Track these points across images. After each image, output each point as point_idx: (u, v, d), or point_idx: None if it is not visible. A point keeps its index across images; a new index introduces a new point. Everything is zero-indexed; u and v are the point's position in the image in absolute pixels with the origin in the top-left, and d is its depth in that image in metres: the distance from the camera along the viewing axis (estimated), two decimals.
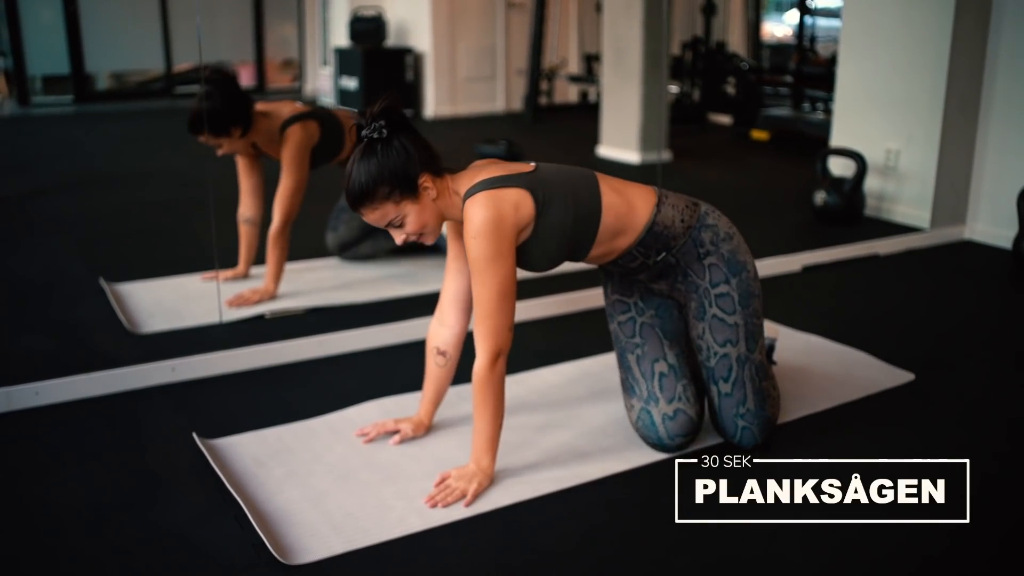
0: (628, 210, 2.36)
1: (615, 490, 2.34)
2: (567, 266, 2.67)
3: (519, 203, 2.23)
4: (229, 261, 3.94)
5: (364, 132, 2.23)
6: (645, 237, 2.37)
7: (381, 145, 2.21)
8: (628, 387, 2.57)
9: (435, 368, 2.56)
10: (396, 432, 2.58)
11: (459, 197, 2.29)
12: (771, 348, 2.87)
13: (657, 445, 2.50)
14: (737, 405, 2.46)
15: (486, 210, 2.19)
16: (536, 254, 2.33)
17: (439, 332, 2.53)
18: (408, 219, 2.26)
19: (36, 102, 9.96)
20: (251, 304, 3.64)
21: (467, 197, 2.24)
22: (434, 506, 2.25)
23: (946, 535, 2.12)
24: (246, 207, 3.88)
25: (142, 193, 5.81)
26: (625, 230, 2.36)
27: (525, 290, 3.71)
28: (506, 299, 2.24)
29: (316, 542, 2.10)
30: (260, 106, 3.69)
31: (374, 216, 2.26)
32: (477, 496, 2.28)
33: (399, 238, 2.31)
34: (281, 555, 2.04)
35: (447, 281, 2.50)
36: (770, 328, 2.86)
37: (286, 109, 3.71)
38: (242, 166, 3.85)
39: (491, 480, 2.33)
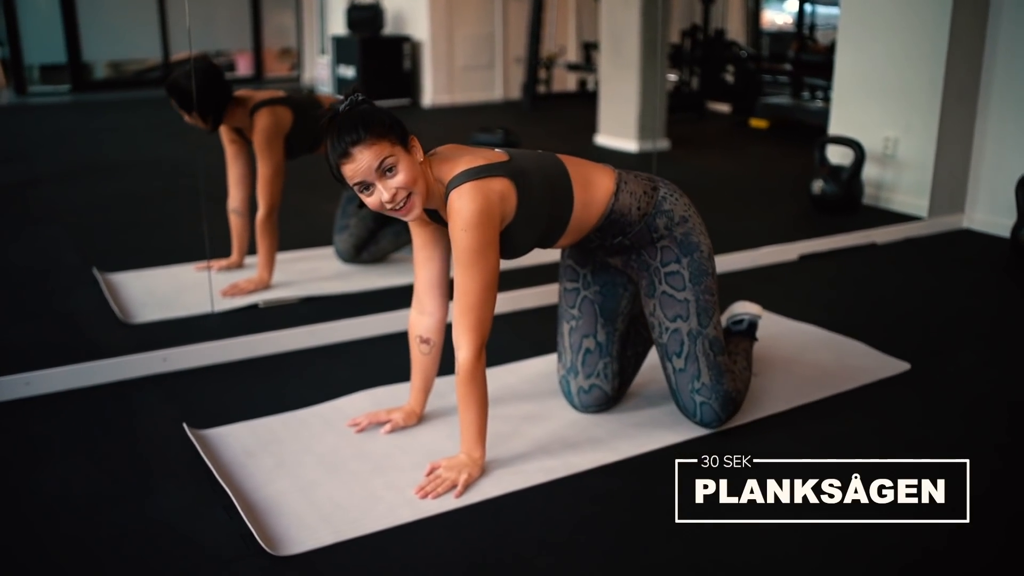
0: (590, 199, 2.39)
1: (606, 481, 2.33)
2: (556, 255, 2.75)
3: (504, 194, 2.22)
4: (223, 251, 3.93)
5: (344, 104, 2.18)
6: (603, 224, 2.43)
7: (366, 105, 2.19)
8: (558, 350, 2.73)
9: (421, 357, 2.55)
10: (387, 422, 2.57)
11: (438, 184, 2.24)
12: (753, 325, 2.87)
13: (572, 407, 2.70)
14: (691, 380, 2.51)
15: (474, 202, 2.17)
16: (513, 243, 2.33)
17: (420, 321, 2.51)
18: (400, 167, 2.15)
19: (33, 91, 9.94)
20: (245, 293, 3.63)
21: (451, 187, 2.21)
22: (424, 496, 2.24)
23: (946, 530, 2.11)
24: (232, 198, 3.87)
25: (137, 183, 5.79)
26: (588, 218, 2.41)
27: (518, 280, 3.69)
28: (491, 290, 2.24)
29: (305, 533, 2.09)
30: (241, 92, 3.66)
31: (368, 154, 2.12)
32: (468, 487, 2.27)
33: (386, 194, 2.16)
34: (269, 546, 2.03)
35: (420, 270, 2.48)
36: (752, 307, 2.88)
37: (262, 95, 3.67)
38: (229, 154, 3.83)
39: (482, 471, 2.33)
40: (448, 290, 2.49)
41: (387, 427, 2.56)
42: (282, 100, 3.65)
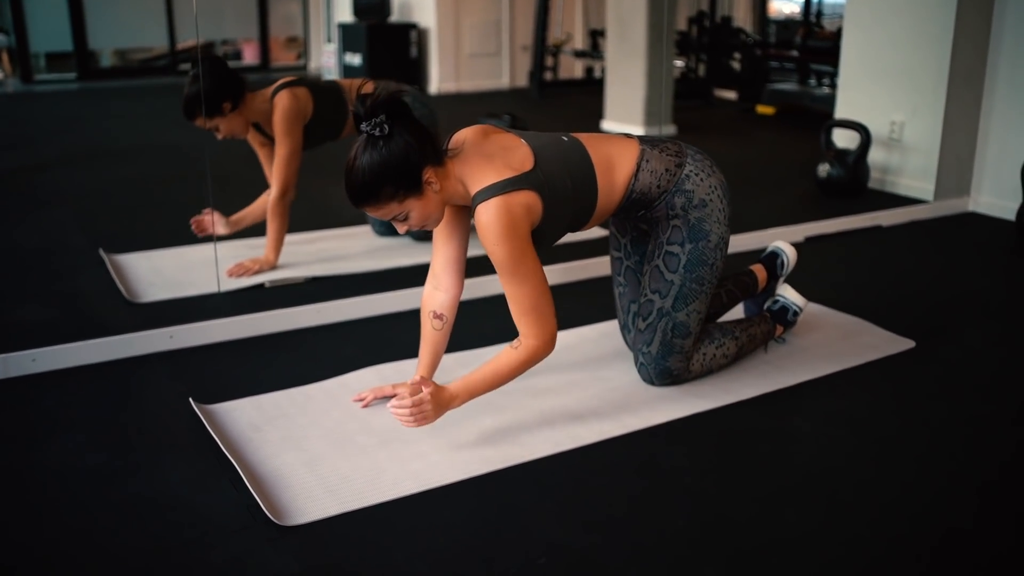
0: (612, 184, 2.46)
1: (610, 453, 2.33)
2: (568, 236, 2.85)
3: (530, 205, 2.27)
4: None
5: (364, 127, 2.17)
6: (626, 204, 2.51)
7: (383, 142, 2.16)
8: (616, 308, 2.89)
9: (432, 332, 2.55)
10: (393, 396, 2.57)
11: (463, 186, 2.29)
12: (785, 310, 2.96)
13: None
14: (643, 344, 2.66)
15: (500, 220, 2.21)
16: (541, 239, 2.38)
17: (435, 296, 2.52)
18: (412, 214, 2.25)
19: (39, 79, 9.95)
20: (251, 274, 3.63)
21: (477, 201, 2.25)
22: (398, 413, 2.25)
23: (975, 492, 2.12)
24: (270, 177, 3.92)
25: (144, 167, 5.80)
26: (611, 202, 2.50)
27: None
28: (541, 288, 2.29)
29: (311, 504, 2.10)
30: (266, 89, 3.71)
31: (377, 213, 2.24)
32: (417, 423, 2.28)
33: (402, 229, 2.31)
34: (276, 516, 2.03)
35: (439, 246, 2.49)
36: (795, 295, 2.98)
37: (280, 81, 3.69)
38: (261, 156, 3.90)
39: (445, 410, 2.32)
40: (464, 269, 2.53)
41: (393, 401, 2.56)
42: (300, 82, 3.67)
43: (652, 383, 2.69)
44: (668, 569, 1.88)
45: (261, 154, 3.90)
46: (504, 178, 2.25)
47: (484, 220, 2.22)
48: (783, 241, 3.08)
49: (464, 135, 2.36)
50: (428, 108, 3.96)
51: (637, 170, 2.46)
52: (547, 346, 2.32)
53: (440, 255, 2.51)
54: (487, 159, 2.28)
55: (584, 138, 2.49)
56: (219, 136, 3.61)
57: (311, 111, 3.67)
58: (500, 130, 2.40)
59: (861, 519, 2.05)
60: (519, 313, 2.29)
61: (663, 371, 2.66)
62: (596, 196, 2.44)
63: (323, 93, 3.72)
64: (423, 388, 2.25)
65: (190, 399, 2.58)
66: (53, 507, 2.11)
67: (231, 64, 3.65)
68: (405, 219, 2.26)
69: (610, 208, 2.50)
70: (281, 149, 3.61)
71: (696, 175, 2.52)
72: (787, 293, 2.98)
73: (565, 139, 2.45)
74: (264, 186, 4.00)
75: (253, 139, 3.84)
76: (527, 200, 2.25)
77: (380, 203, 2.21)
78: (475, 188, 2.26)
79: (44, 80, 9.97)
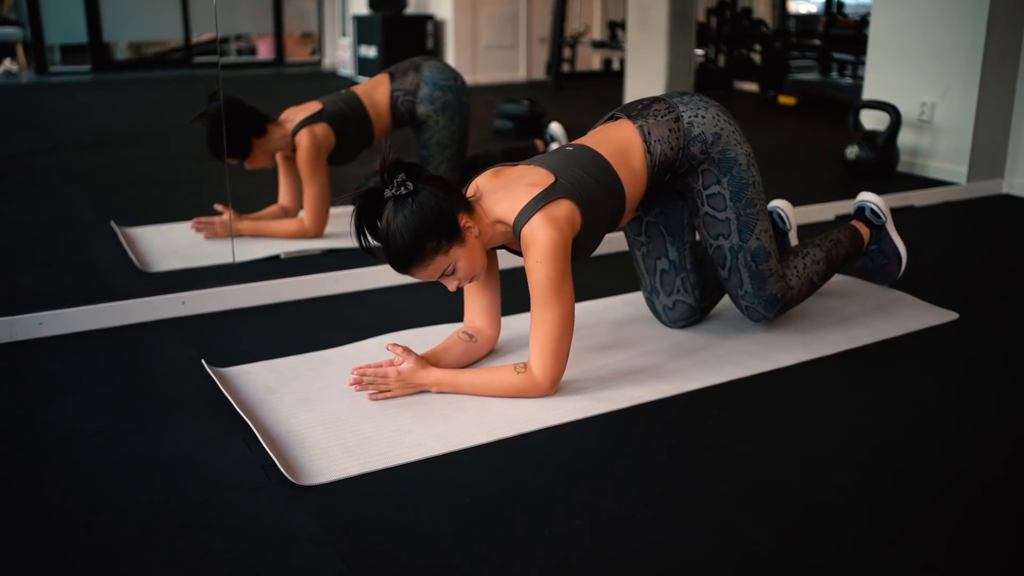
0: (634, 173, 2.41)
1: (644, 418, 2.21)
2: None
3: (571, 218, 2.21)
4: (246, 209, 3.82)
5: (388, 192, 2.12)
6: (652, 180, 2.46)
7: (411, 199, 2.11)
8: (638, 275, 2.79)
9: (458, 339, 2.47)
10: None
11: (500, 223, 2.24)
12: (871, 211, 2.99)
13: (664, 325, 2.78)
14: (735, 288, 2.61)
15: (549, 233, 2.15)
16: (587, 246, 2.34)
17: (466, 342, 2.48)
18: (460, 264, 2.20)
19: (54, 71, 9.89)
20: (213, 233, 3.64)
21: (520, 225, 2.20)
22: (360, 381, 2.27)
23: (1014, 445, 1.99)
24: (283, 197, 3.85)
25: (157, 149, 5.70)
26: (639, 189, 2.44)
27: None
28: (569, 320, 2.22)
29: (330, 464, 1.98)
30: (283, 114, 3.67)
31: (425, 272, 2.19)
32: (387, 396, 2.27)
33: (452, 286, 2.25)
34: (293, 476, 1.92)
35: (473, 296, 2.47)
36: (874, 196, 3.01)
37: (299, 115, 3.62)
38: (282, 169, 3.82)
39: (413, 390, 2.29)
40: (500, 315, 2.51)
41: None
42: (318, 116, 3.59)
43: (767, 318, 2.65)
44: (711, 531, 1.76)
45: (282, 167, 3.81)
46: (534, 195, 2.20)
47: (530, 238, 2.17)
48: (863, 193, 3.05)
49: (477, 182, 2.33)
50: (455, 95, 3.83)
51: (647, 146, 2.41)
52: (548, 389, 2.26)
53: (474, 304, 2.47)
54: (509, 189, 2.25)
55: (585, 140, 2.45)
56: (247, 167, 3.61)
57: (334, 141, 3.62)
58: (508, 166, 2.37)
59: (904, 476, 1.94)
60: (539, 340, 2.21)
61: (768, 300, 2.59)
62: (622, 186, 2.38)
63: (342, 118, 3.64)
64: (405, 360, 2.26)
65: (203, 361, 2.47)
66: (56, 467, 2.00)
67: (247, 60, 3.60)
68: (453, 272, 2.21)
69: (640, 191, 2.44)
70: (309, 189, 3.59)
71: (696, 116, 2.46)
72: (868, 197, 3.00)
73: (570, 148, 2.43)
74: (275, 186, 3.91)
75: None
76: (566, 210, 2.20)
77: (426, 260, 2.15)
78: (512, 216, 2.21)
79: (59, 72, 9.90)
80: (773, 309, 2.62)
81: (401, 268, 2.19)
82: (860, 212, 3.02)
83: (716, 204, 2.50)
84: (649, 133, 2.42)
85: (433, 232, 2.12)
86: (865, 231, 2.99)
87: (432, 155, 3.85)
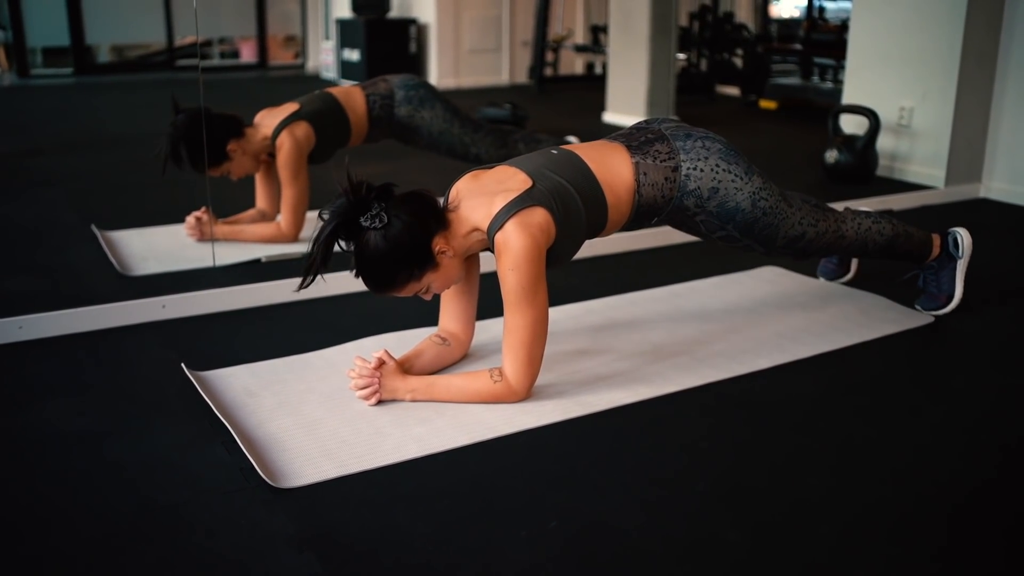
0: (618, 198, 2.38)
1: (622, 420, 2.23)
2: None
3: (544, 225, 2.20)
4: (225, 212, 3.82)
5: (364, 222, 2.11)
6: (635, 215, 2.44)
7: (384, 231, 2.11)
8: None
9: (431, 343, 2.47)
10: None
11: (476, 231, 2.24)
12: (954, 243, 2.92)
13: None
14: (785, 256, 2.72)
15: (522, 240, 2.15)
16: (564, 253, 2.33)
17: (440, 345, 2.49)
18: (434, 284, 2.24)
19: (36, 74, 9.85)
20: (195, 232, 3.65)
21: (493, 230, 2.19)
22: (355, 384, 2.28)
23: (997, 450, 2.02)
24: (261, 200, 3.85)
25: (139, 152, 5.66)
26: (621, 215, 2.42)
27: None
28: (542, 326, 2.23)
29: (308, 466, 1.99)
30: (257, 116, 3.66)
31: (400, 295, 2.24)
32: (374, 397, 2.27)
33: (428, 297, 2.29)
34: (271, 479, 1.93)
35: (450, 302, 2.48)
36: (968, 237, 2.93)
37: (276, 117, 3.61)
38: (260, 172, 3.81)
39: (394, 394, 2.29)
40: (474, 322, 2.53)
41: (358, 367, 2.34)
42: (299, 116, 3.58)
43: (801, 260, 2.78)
44: (687, 533, 1.77)
45: (260, 170, 3.79)
46: (509, 201, 2.20)
47: (503, 245, 2.17)
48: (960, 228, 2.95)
49: (458, 186, 2.33)
50: (427, 89, 3.86)
51: (638, 186, 2.38)
52: (521, 395, 2.27)
53: (450, 308, 2.48)
54: (488, 195, 2.24)
55: (576, 149, 2.42)
56: (233, 178, 3.62)
57: (314, 141, 3.63)
58: (488, 169, 2.36)
59: (883, 482, 1.96)
60: (512, 345, 2.21)
61: (789, 254, 2.66)
62: (606, 202, 2.35)
63: (321, 117, 3.63)
64: (385, 362, 2.29)
65: (182, 365, 2.48)
66: (33, 470, 2.00)
67: (230, 63, 3.60)
68: (427, 290, 2.25)
69: (621, 220, 2.42)
70: (288, 192, 3.58)
71: (694, 169, 2.42)
72: (962, 232, 2.92)
73: (555, 152, 2.41)
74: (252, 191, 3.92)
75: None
76: (540, 218, 2.19)
77: (399, 287, 2.20)
78: (486, 223, 2.21)
79: (41, 75, 9.87)
80: (797, 257, 2.69)
81: (376, 293, 2.24)
82: (946, 235, 2.94)
83: (729, 239, 2.55)
84: (645, 175, 2.38)
85: (406, 264, 2.15)
86: (937, 249, 2.93)
87: (441, 144, 3.92)
